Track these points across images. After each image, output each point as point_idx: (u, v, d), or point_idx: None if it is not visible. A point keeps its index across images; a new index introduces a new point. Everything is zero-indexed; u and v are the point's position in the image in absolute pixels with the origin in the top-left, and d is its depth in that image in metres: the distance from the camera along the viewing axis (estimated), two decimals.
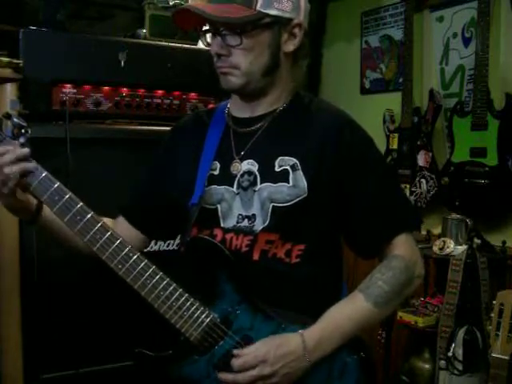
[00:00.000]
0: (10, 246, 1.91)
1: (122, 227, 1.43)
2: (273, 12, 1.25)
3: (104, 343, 1.97)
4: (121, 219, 1.47)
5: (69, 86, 2.01)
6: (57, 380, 1.93)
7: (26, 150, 1.24)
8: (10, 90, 1.90)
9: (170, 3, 2.39)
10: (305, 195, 1.27)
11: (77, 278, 1.89)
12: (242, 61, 1.26)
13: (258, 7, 1.24)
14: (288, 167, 1.29)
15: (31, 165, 1.25)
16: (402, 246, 1.33)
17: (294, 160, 1.29)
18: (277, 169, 1.29)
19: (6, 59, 1.88)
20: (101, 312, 1.95)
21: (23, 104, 1.91)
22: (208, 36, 1.32)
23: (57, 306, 1.92)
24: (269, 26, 1.26)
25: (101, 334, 1.96)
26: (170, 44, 2.24)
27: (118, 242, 1.24)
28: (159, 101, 2.19)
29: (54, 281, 1.90)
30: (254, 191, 1.29)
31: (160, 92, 2.20)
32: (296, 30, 1.30)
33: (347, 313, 1.26)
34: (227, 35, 1.25)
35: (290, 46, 1.31)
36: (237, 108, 1.39)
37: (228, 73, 1.28)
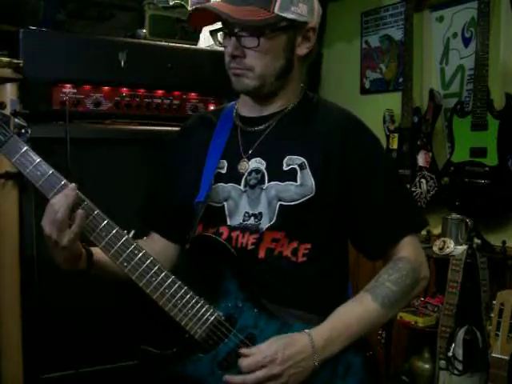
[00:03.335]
0: (10, 245, 1.91)
1: (159, 244, 1.45)
2: (290, 16, 1.25)
3: (104, 343, 1.97)
4: (155, 236, 1.47)
5: (69, 85, 2.01)
6: (57, 380, 1.93)
7: (74, 194, 1.21)
8: (10, 90, 1.90)
9: (170, 3, 2.39)
10: (312, 194, 1.27)
11: (77, 278, 1.88)
12: (256, 63, 1.26)
13: (276, 10, 1.23)
14: (296, 166, 1.29)
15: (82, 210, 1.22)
16: (408, 248, 1.33)
17: (301, 159, 1.29)
18: (285, 168, 1.30)
19: (6, 59, 1.88)
20: (101, 312, 1.95)
21: (23, 104, 1.91)
22: (219, 35, 1.32)
23: (57, 306, 1.92)
24: (285, 29, 1.26)
25: (101, 334, 1.96)
26: (170, 44, 2.24)
27: (124, 239, 1.24)
28: (159, 101, 2.19)
29: (54, 280, 1.90)
30: (262, 189, 1.30)
31: (160, 92, 2.20)
32: (310, 34, 1.31)
33: (355, 313, 1.25)
34: (243, 37, 1.24)
35: (303, 50, 1.31)
36: (245, 108, 1.39)
37: (242, 74, 1.28)
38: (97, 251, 1.30)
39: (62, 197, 1.21)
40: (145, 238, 1.47)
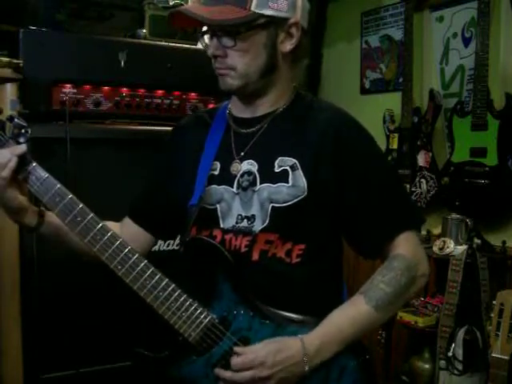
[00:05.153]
0: (10, 245, 1.91)
1: (128, 228, 1.44)
2: (268, 12, 1.24)
3: (103, 343, 1.97)
4: (127, 220, 1.47)
5: (69, 85, 2.01)
6: (57, 380, 1.93)
7: (23, 147, 1.25)
8: (10, 90, 1.90)
9: (170, 3, 2.39)
10: (304, 195, 1.26)
11: (76, 278, 1.89)
12: (238, 62, 1.26)
13: (253, 8, 1.22)
14: (287, 167, 1.28)
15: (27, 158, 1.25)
16: (404, 245, 1.31)
17: (293, 160, 1.28)
18: (276, 169, 1.29)
19: (5, 59, 1.88)
20: (100, 312, 1.95)
21: (23, 104, 1.92)
22: (206, 37, 1.31)
23: (57, 306, 1.92)
24: (264, 26, 1.25)
25: (100, 334, 1.96)
26: (170, 44, 2.25)
27: (118, 242, 1.24)
28: (159, 101, 2.19)
29: (54, 281, 1.90)
30: (254, 191, 1.29)
31: (160, 92, 2.20)
32: (293, 30, 1.29)
33: (349, 317, 1.25)
34: (222, 36, 1.24)
35: (287, 46, 1.30)
36: (237, 108, 1.38)
37: (225, 74, 1.28)
38: (52, 215, 1.30)
39: (7, 152, 1.23)
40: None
